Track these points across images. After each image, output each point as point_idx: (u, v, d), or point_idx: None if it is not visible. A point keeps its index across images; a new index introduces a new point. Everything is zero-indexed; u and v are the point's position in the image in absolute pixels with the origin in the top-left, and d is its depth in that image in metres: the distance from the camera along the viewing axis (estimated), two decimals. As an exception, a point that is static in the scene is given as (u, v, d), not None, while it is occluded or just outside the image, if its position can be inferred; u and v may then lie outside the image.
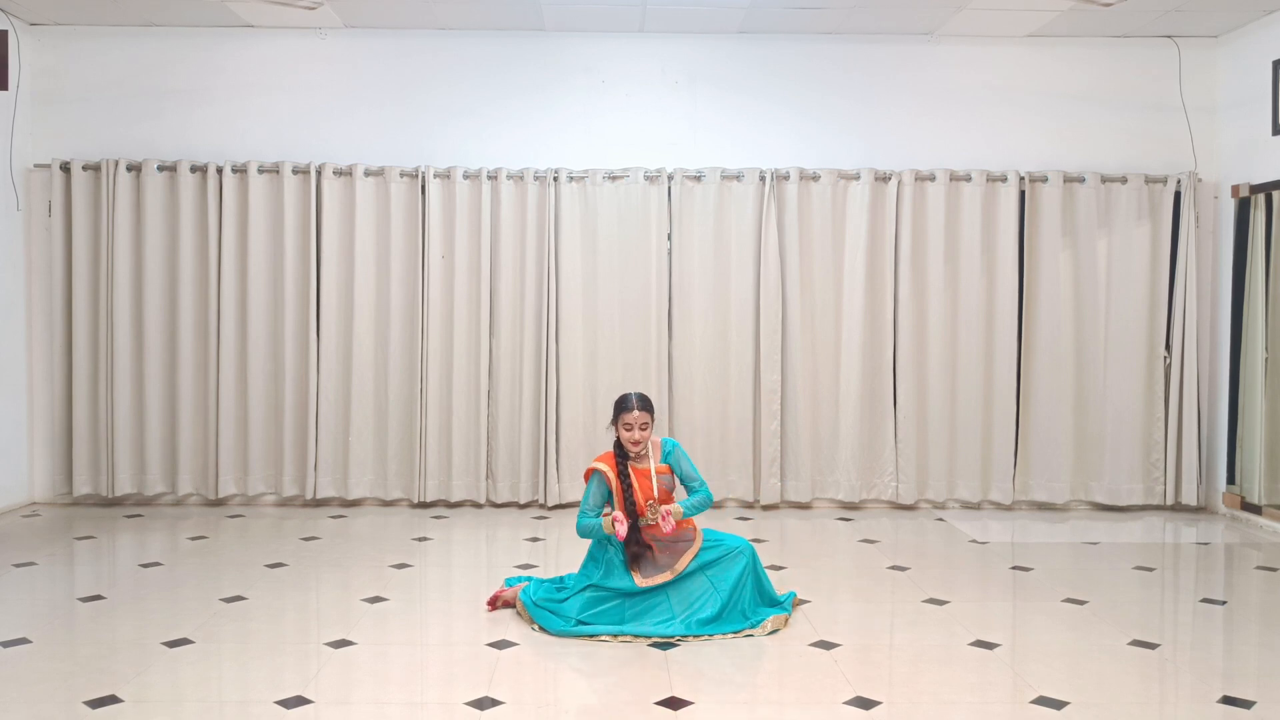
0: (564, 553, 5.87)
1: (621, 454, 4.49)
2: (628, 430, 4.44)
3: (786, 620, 4.46)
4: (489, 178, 6.91)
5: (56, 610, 4.70)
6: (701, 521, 4.72)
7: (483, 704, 3.59)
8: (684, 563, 4.40)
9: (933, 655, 4.15)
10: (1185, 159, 7.09)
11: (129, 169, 6.85)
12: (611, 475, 4.45)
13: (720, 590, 4.37)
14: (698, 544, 4.45)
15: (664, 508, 4.38)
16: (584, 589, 4.42)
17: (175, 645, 4.16)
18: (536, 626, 4.39)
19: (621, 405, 4.49)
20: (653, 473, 4.47)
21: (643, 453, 4.49)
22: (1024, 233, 6.99)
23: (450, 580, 5.40)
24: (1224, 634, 4.53)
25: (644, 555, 4.41)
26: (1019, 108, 7.11)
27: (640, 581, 4.38)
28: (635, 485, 4.44)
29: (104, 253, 6.83)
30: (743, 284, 6.93)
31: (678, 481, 4.58)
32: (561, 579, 4.65)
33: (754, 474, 6.99)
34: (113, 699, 3.60)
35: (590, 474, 4.50)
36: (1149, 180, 6.98)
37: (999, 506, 7.06)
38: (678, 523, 4.42)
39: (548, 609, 4.42)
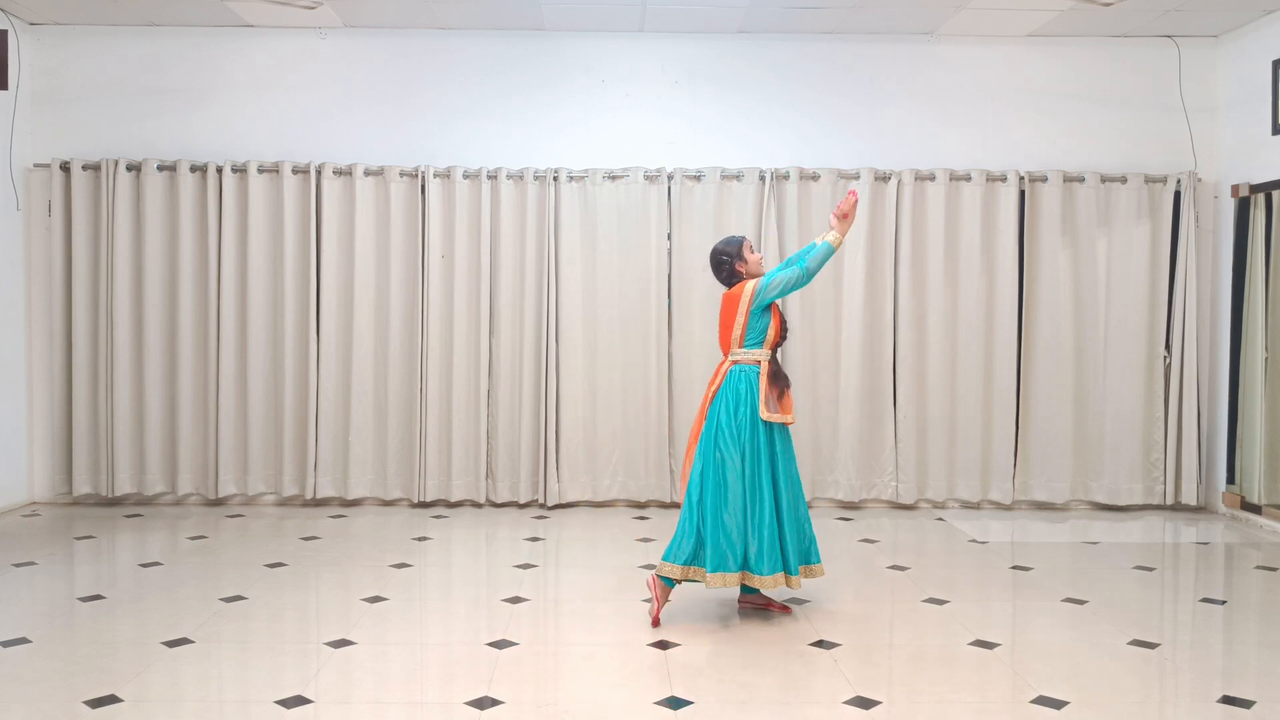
0: (564, 552, 5.88)
1: None
2: (753, 252, 4.63)
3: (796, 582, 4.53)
4: (489, 177, 6.91)
5: (56, 610, 4.70)
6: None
7: (482, 704, 3.59)
8: (792, 413, 4.52)
9: (933, 655, 4.15)
10: (1185, 159, 7.09)
11: (129, 169, 6.85)
12: None
13: (800, 496, 4.60)
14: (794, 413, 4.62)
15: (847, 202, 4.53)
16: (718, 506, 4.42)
17: (175, 645, 4.16)
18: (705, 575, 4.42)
19: (735, 241, 4.63)
20: None
21: None
22: (1024, 232, 6.99)
23: (450, 580, 5.40)
24: (1224, 634, 4.53)
25: (782, 388, 4.51)
26: (1019, 108, 7.11)
27: (766, 415, 4.41)
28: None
29: (104, 252, 6.83)
30: (743, 284, 6.93)
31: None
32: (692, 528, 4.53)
33: (754, 474, 6.99)
34: (113, 699, 3.60)
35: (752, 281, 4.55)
36: (1149, 180, 6.98)
37: (999, 506, 7.06)
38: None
39: (714, 543, 4.40)
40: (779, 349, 4.63)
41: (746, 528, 4.40)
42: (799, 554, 4.52)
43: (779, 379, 4.53)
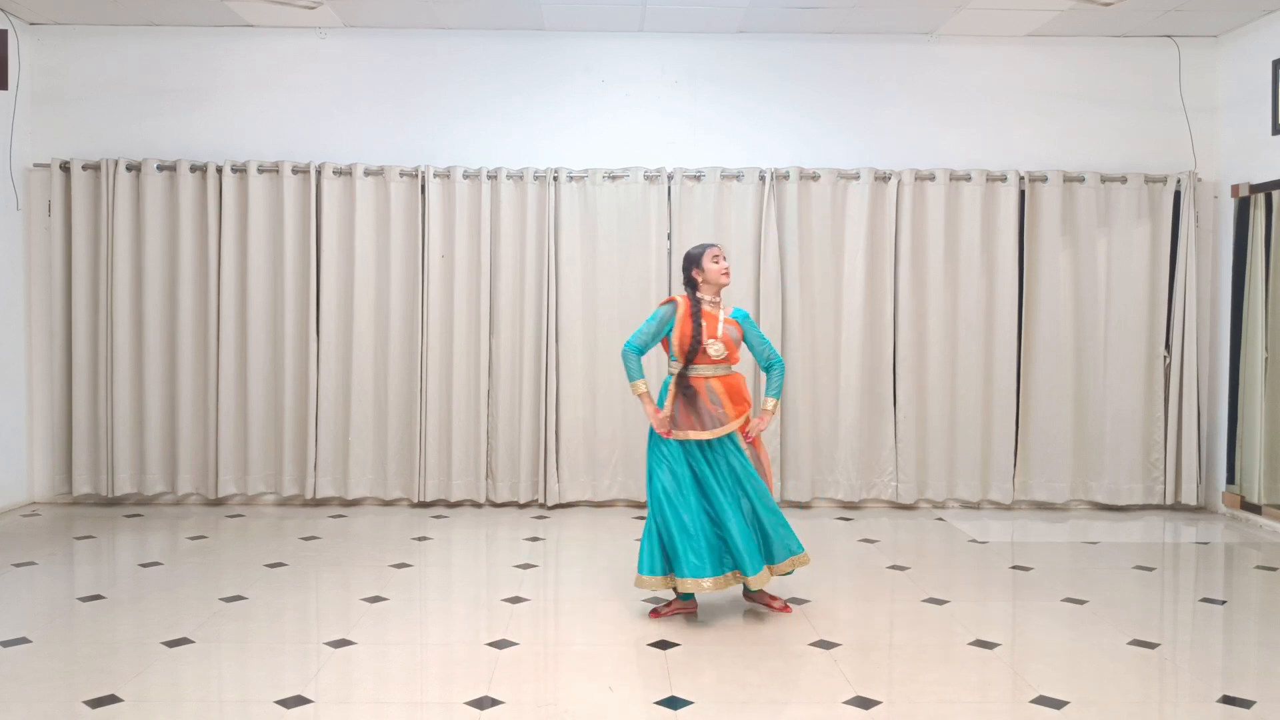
0: (564, 552, 5.88)
1: (695, 301, 4.56)
2: (716, 262, 4.57)
3: (797, 563, 4.62)
4: (489, 177, 6.91)
5: (56, 610, 4.70)
6: None
7: (482, 704, 3.60)
8: (700, 430, 4.43)
9: (933, 655, 4.15)
10: (1185, 159, 7.09)
11: (129, 169, 6.85)
12: (684, 307, 4.54)
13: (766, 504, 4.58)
14: (734, 427, 4.50)
15: (756, 427, 4.58)
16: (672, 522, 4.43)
17: (175, 645, 4.16)
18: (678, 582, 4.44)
19: (701, 248, 4.61)
20: (721, 320, 4.56)
21: (717, 300, 4.60)
22: (1024, 232, 6.99)
23: (450, 580, 5.40)
24: (1224, 634, 4.53)
25: (689, 399, 4.45)
26: (1019, 107, 7.11)
27: (660, 431, 4.43)
28: (704, 324, 4.51)
29: (104, 252, 6.83)
30: (742, 283, 6.92)
31: (744, 344, 4.66)
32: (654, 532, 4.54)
33: (754, 474, 6.99)
34: (113, 699, 3.60)
35: (664, 303, 4.60)
36: (1149, 180, 6.98)
37: (999, 506, 7.06)
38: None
39: (683, 558, 4.41)
40: (695, 360, 4.48)
41: (663, 531, 4.44)
42: (752, 554, 4.44)
43: (686, 391, 4.48)
